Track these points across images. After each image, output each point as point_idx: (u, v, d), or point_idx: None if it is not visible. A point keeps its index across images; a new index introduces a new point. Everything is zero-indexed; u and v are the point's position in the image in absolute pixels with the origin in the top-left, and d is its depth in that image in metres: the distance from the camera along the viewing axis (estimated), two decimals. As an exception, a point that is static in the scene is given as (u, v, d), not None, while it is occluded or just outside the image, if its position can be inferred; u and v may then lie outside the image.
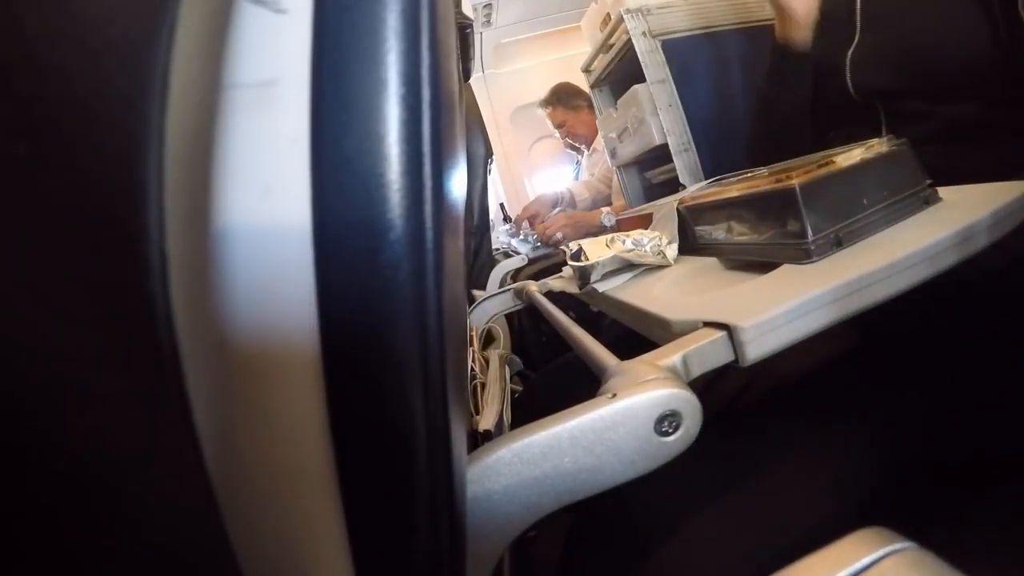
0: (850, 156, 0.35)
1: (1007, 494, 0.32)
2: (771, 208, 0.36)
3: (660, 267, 0.47)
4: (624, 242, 0.48)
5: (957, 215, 0.30)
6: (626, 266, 0.48)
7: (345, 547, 0.15)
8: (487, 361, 0.59)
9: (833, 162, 0.34)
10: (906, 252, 0.27)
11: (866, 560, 0.15)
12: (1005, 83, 0.48)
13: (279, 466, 0.14)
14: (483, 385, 0.51)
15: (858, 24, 0.59)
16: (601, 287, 0.46)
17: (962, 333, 0.41)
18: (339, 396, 0.14)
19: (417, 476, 0.14)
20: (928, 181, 0.36)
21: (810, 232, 0.32)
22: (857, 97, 0.60)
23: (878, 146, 0.36)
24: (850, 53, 0.60)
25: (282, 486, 0.14)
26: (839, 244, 0.32)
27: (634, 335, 0.35)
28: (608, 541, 0.38)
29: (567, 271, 0.62)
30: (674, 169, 1.05)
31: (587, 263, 0.47)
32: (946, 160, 0.40)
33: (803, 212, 0.32)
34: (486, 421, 0.40)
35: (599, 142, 1.69)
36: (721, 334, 0.25)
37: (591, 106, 1.67)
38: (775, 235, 0.36)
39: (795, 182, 0.33)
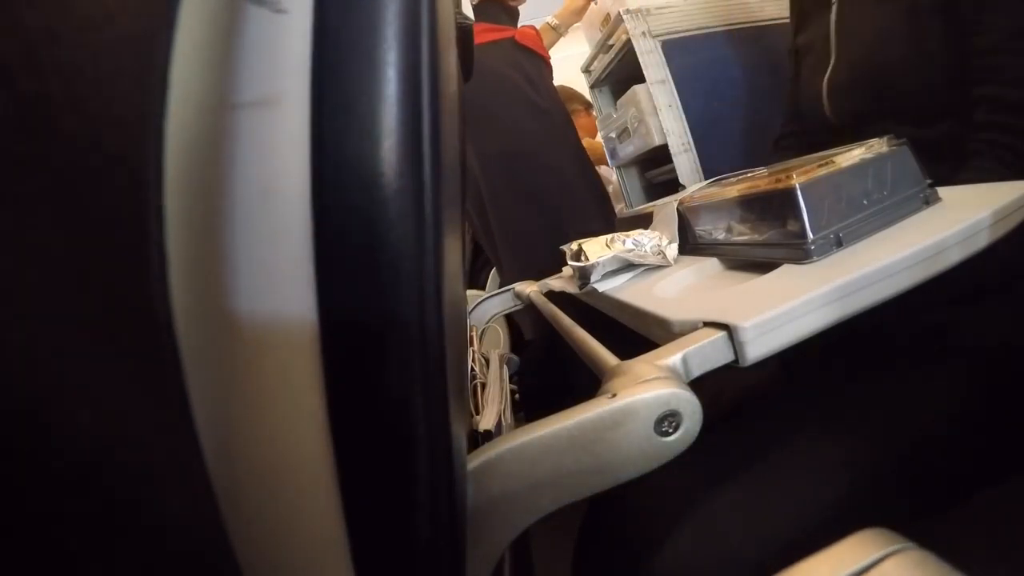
0: (850, 156, 0.35)
1: (1007, 493, 0.32)
2: (771, 208, 0.36)
3: (660, 267, 0.47)
4: (624, 242, 0.48)
5: (957, 215, 0.30)
6: (626, 266, 0.48)
7: (345, 546, 0.15)
8: (487, 361, 0.59)
9: (833, 162, 0.34)
10: (906, 252, 0.27)
11: (867, 561, 0.15)
12: (964, 103, 0.49)
13: (279, 466, 0.14)
14: (483, 385, 0.51)
15: (832, 48, 0.61)
16: (601, 287, 0.46)
17: (957, 332, 0.41)
18: (339, 396, 0.14)
19: (417, 476, 0.14)
20: (928, 181, 0.36)
21: (810, 232, 0.32)
22: (835, 121, 0.62)
23: (878, 146, 0.36)
24: (826, 78, 0.62)
25: (282, 486, 0.14)
26: (839, 244, 0.32)
27: (633, 335, 0.35)
28: (619, 535, 0.38)
29: (567, 271, 0.62)
30: (674, 169, 1.05)
31: (587, 263, 0.47)
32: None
33: (803, 212, 0.32)
34: (486, 421, 0.40)
35: (597, 144, 1.69)
36: (721, 334, 0.25)
37: (588, 110, 1.67)
38: (775, 235, 0.36)
39: (795, 182, 0.33)
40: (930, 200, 0.35)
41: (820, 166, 0.34)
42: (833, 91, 0.61)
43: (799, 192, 0.32)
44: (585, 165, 1.08)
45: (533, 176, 0.99)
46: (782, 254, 0.34)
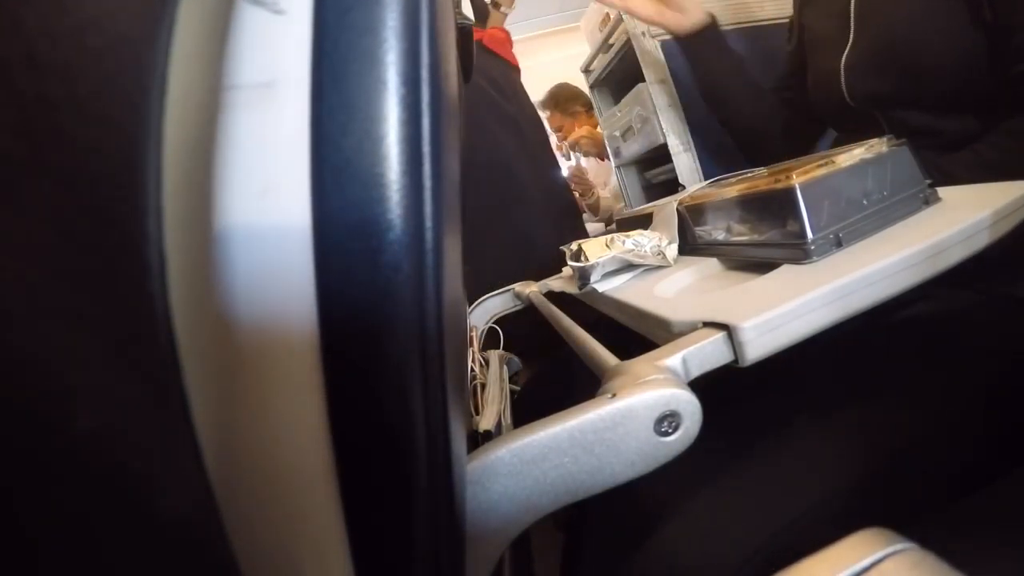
0: (850, 156, 0.35)
1: (1007, 490, 0.31)
2: (771, 208, 0.36)
3: (660, 267, 0.47)
4: (624, 242, 0.48)
5: (957, 215, 0.30)
6: (626, 266, 0.48)
7: (345, 547, 0.15)
8: (487, 361, 0.59)
9: (833, 162, 0.34)
10: (906, 252, 0.27)
11: (867, 561, 0.15)
12: (995, 90, 0.48)
13: (279, 466, 0.14)
14: (483, 385, 0.51)
15: (852, 25, 0.58)
16: (601, 287, 0.46)
17: (957, 330, 0.41)
18: (339, 396, 0.14)
19: (417, 476, 0.14)
20: (928, 181, 0.36)
21: (810, 232, 0.32)
22: (854, 104, 0.59)
23: (878, 146, 0.36)
24: (844, 57, 0.59)
25: (282, 486, 0.14)
26: (839, 244, 0.32)
27: (633, 335, 0.35)
28: (607, 534, 0.38)
29: (567, 271, 0.62)
30: (674, 169, 1.05)
31: (587, 263, 0.47)
32: (952, 173, 0.40)
33: (803, 212, 0.32)
34: (486, 421, 0.40)
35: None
36: (721, 334, 0.25)
37: (588, 110, 1.67)
38: (775, 235, 0.36)
39: (795, 182, 0.33)
40: (930, 200, 0.35)
41: (820, 166, 0.34)
42: (852, 72, 0.59)
43: (799, 192, 0.32)
44: (553, 175, 1.07)
45: (503, 189, 0.98)
46: (782, 254, 0.34)
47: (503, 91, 1.02)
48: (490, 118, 0.98)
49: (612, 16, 1.12)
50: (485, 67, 1.01)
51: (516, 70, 1.12)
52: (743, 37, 1.08)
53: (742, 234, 0.40)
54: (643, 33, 1.04)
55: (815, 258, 0.32)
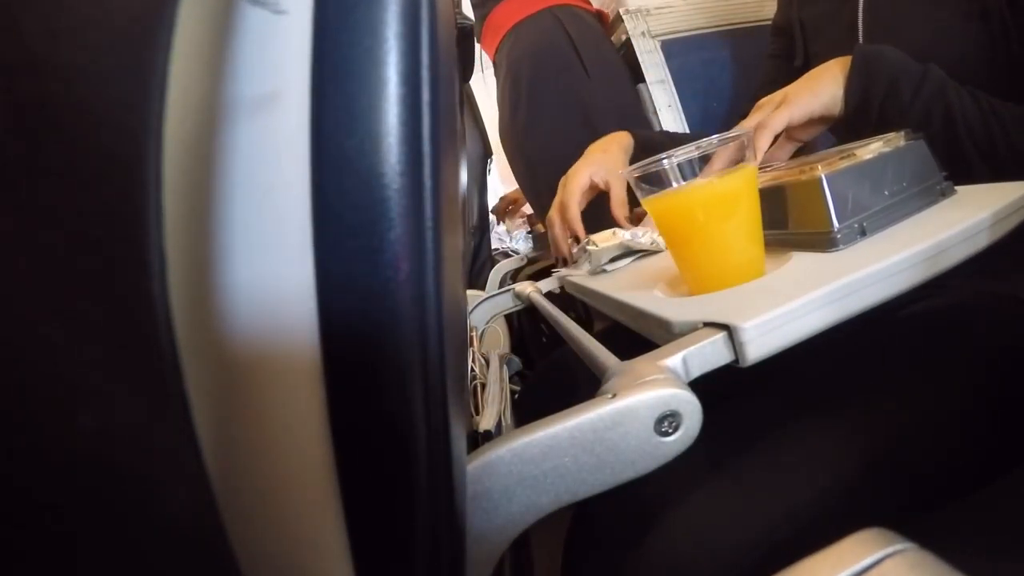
0: (868, 149, 0.35)
1: (1007, 489, 0.31)
2: (795, 199, 0.36)
3: (654, 252, 0.52)
4: (624, 235, 0.54)
5: (959, 214, 0.31)
6: (626, 252, 0.54)
7: (345, 547, 0.15)
8: (487, 361, 0.59)
9: (854, 155, 0.35)
10: (905, 253, 0.27)
11: (867, 561, 0.15)
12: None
13: (279, 466, 0.14)
14: (483, 385, 0.51)
15: (860, 38, 0.57)
16: (601, 283, 0.47)
17: (959, 326, 0.41)
18: (339, 396, 0.14)
19: (417, 476, 0.14)
20: (943, 173, 0.36)
21: (836, 222, 0.33)
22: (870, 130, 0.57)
23: (895, 139, 0.36)
24: None
25: (282, 486, 0.14)
26: (863, 233, 0.33)
27: (633, 335, 0.35)
28: (605, 530, 0.38)
29: (561, 272, 0.64)
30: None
31: (595, 248, 0.53)
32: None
33: (829, 202, 0.33)
34: (486, 421, 0.40)
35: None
36: (721, 334, 0.25)
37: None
38: (799, 225, 0.36)
39: (820, 173, 0.33)
40: (946, 192, 0.36)
41: (842, 158, 0.34)
42: None
43: (825, 182, 0.33)
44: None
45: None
46: (807, 243, 0.35)
47: (584, 48, 0.99)
48: (578, 86, 0.97)
49: (612, 16, 1.12)
50: (564, 27, 0.99)
51: (600, 17, 1.08)
52: (742, 37, 1.08)
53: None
54: (643, 33, 1.04)
55: (841, 247, 0.32)
